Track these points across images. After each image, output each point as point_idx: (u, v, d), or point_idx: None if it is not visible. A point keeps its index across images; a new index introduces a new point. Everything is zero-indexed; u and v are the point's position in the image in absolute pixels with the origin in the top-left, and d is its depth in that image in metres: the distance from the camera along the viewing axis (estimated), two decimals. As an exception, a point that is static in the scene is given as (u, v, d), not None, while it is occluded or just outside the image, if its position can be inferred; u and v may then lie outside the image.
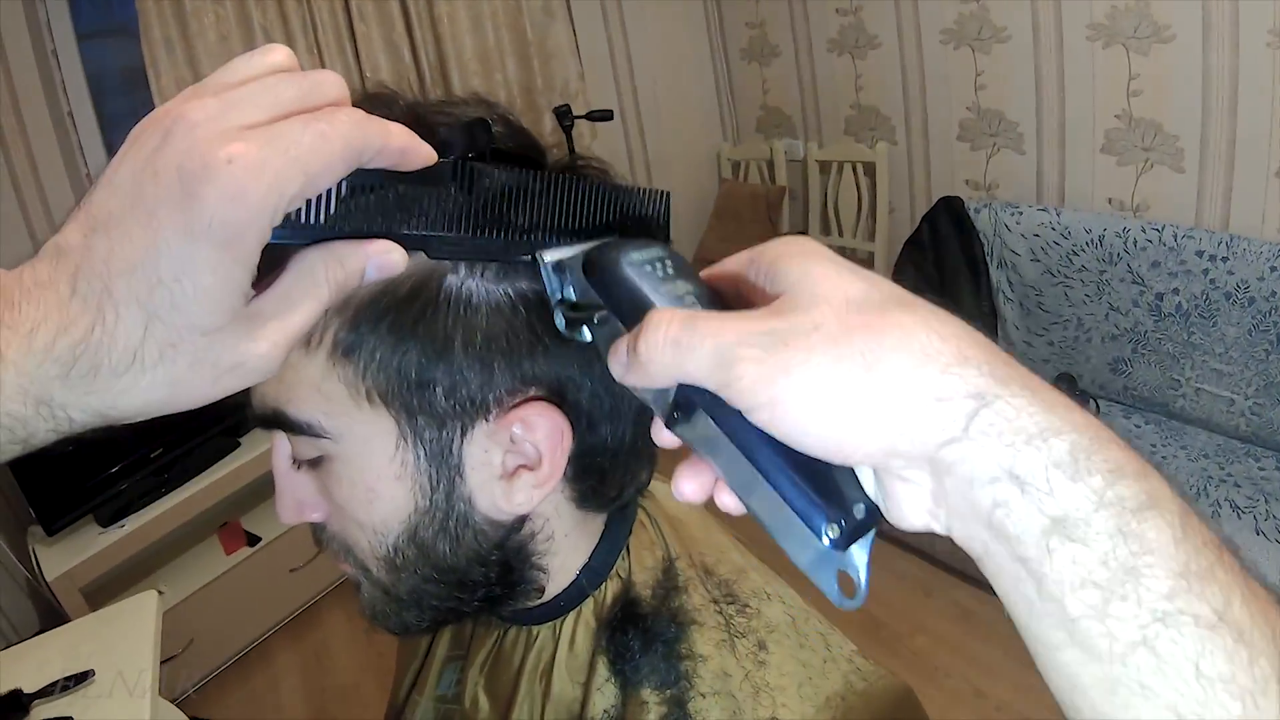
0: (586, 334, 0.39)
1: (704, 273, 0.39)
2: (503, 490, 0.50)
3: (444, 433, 0.48)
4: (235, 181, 0.29)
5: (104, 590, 2.44)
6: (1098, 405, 2.37)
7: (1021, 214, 2.55)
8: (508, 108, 0.52)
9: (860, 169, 3.30)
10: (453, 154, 0.45)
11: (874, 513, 0.32)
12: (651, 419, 0.58)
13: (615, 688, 0.56)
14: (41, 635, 1.79)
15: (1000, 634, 2.28)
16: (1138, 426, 2.30)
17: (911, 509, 0.31)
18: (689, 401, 0.33)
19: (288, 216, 0.32)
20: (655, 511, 0.67)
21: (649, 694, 0.55)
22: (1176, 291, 2.22)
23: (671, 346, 0.32)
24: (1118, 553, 0.26)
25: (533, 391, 0.48)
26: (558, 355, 0.48)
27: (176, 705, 2.20)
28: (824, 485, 0.32)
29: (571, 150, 2.43)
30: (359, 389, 0.46)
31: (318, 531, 0.55)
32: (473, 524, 0.51)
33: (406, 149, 0.35)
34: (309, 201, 0.34)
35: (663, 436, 0.36)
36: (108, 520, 2.43)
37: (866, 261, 3.36)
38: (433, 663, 0.72)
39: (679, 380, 0.33)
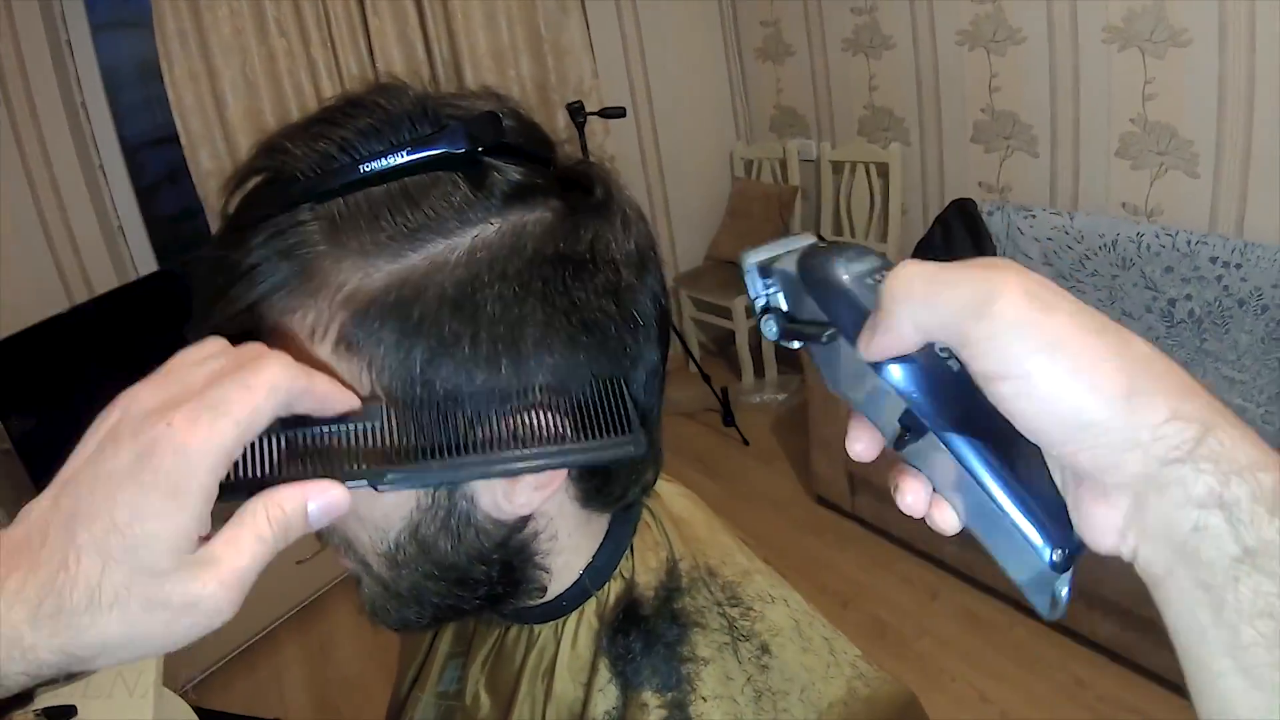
0: (795, 344, 0.39)
1: None
2: (505, 490, 0.49)
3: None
4: (176, 438, 0.34)
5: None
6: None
7: (1035, 217, 2.53)
8: (519, 101, 0.51)
9: (873, 170, 3.29)
10: (460, 148, 0.45)
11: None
12: (657, 419, 0.58)
13: (616, 689, 0.56)
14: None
15: (1006, 640, 2.27)
16: (1148, 433, 2.28)
17: (1104, 531, 0.31)
18: (918, 423, 0.33)
19: (233, 476, 0.36)
20: (660, 512, 0.66)
21: (650, 696, 0.55)
22: (1190, 298, 2.21)
23: (925, 281, 0.31)
24: None
25: (538, 391, 0.47)
26: (565, 355, 0.47)
27: (181, 696, 2.22)
28: (1048, 508, 0.32)
29: (584, 148, 2.44)
30: (363, 385, 0.45)
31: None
32: (475, 522, 0.50)
33: (331, 394, 0.40)
34: (252, 458, 0.38)
35: (856, 449, 0.36)
36: (116, 509, 2.44)
37: (877, 263, 3.35)
38: (435, 659, 0.72)
39: (926, 332, 0.32)
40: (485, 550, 0.52)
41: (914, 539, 2.59)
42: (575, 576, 0.60)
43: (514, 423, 0.44)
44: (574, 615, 0.60)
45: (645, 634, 0.57)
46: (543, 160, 0.50)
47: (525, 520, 0.53)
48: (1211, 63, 2.18)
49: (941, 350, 0.33)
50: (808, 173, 3.61)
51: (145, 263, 2.81)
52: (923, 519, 0.36)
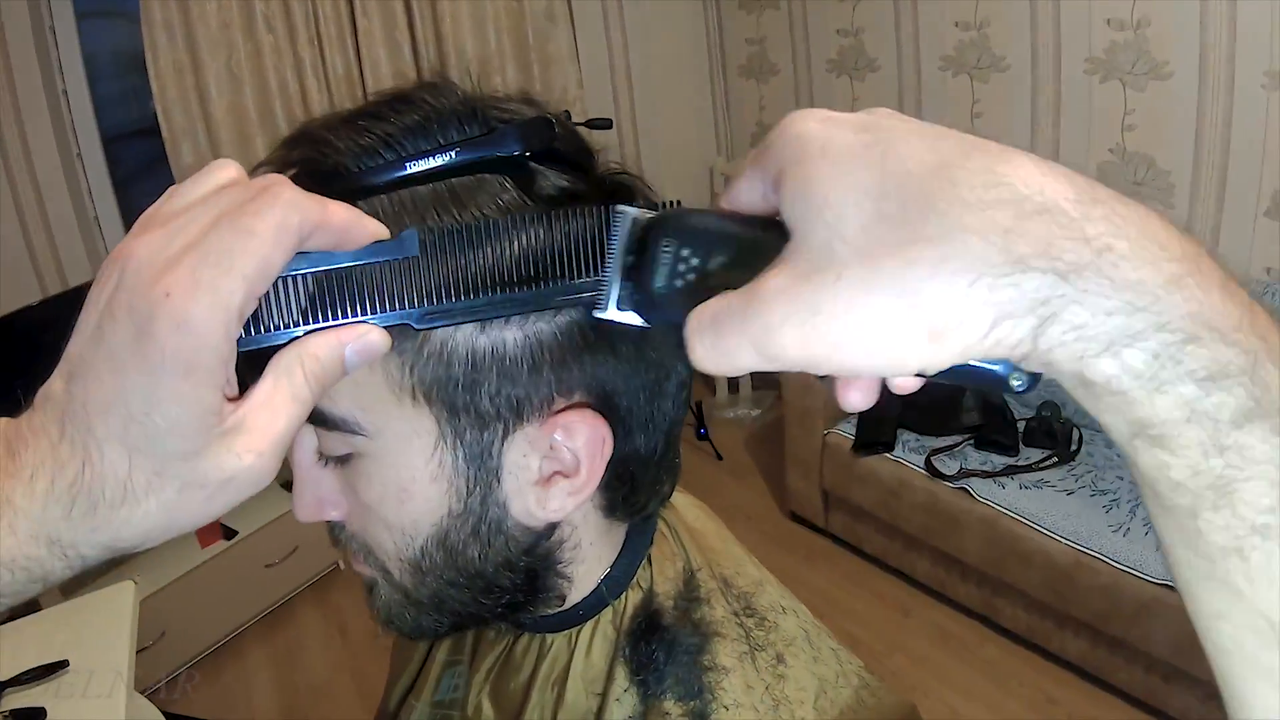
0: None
1: (723, 202, 0.37)
2: (537, 496, 0.49)
3: (485, 434, 0.46)
4: (177, 312, 0.30)
5: (77, 578, 2.39)
6: (1081, 434, 2.39)
7: (1013, 241, 2.57)
8: (559, 110, 0.51)
9: (853, 189, 3.32)
10: (513, 151, 0.45)
11: None
12: (679, 431, 0.58)
13: (635, 698, 0.56)
14: (14, 621, 1.75)
15: (978, 657, 2.30)
16: (1119, 456, 2.29)
17: None
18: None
19: (255, 321, 0.34)
20: (675, 522, 0.66)
21: (671, 705, 0.54)
22: (1163, 325, 2.25)
23: (716, 355, 0.32)
24: (1211, 464, 0.25)
25: (577, 397, 0.47)
26: (605, 361, 0.47)
27: (146, 697, 2.17)
28: None
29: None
30: (402, 385, 0.44)
31: (335, 530, 0.54)
32: (505, 529, 0.50)
33: (348, 225, 0.36)
34: (271, 302, 0.35)
35: (896, 383, 0.32)
36: (83, 507, 2.39)
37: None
38: (432, 667, 0.71)
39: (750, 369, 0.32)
40: (512, 557, 0.52)
41: (886, 555, 2.61)
42: (593, 586, 0.59)
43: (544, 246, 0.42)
44: (589, 625, 0.60)
45: (668, 643, 0.57)
46: (584, 168, 0.50)
47: (553, 528, 0.53)
48: (1191, 96, 2.24)
49: None
50: (788, 190, 3.64)
51: (120, 256, 2.76)
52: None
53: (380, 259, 0.37)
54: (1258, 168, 2.18)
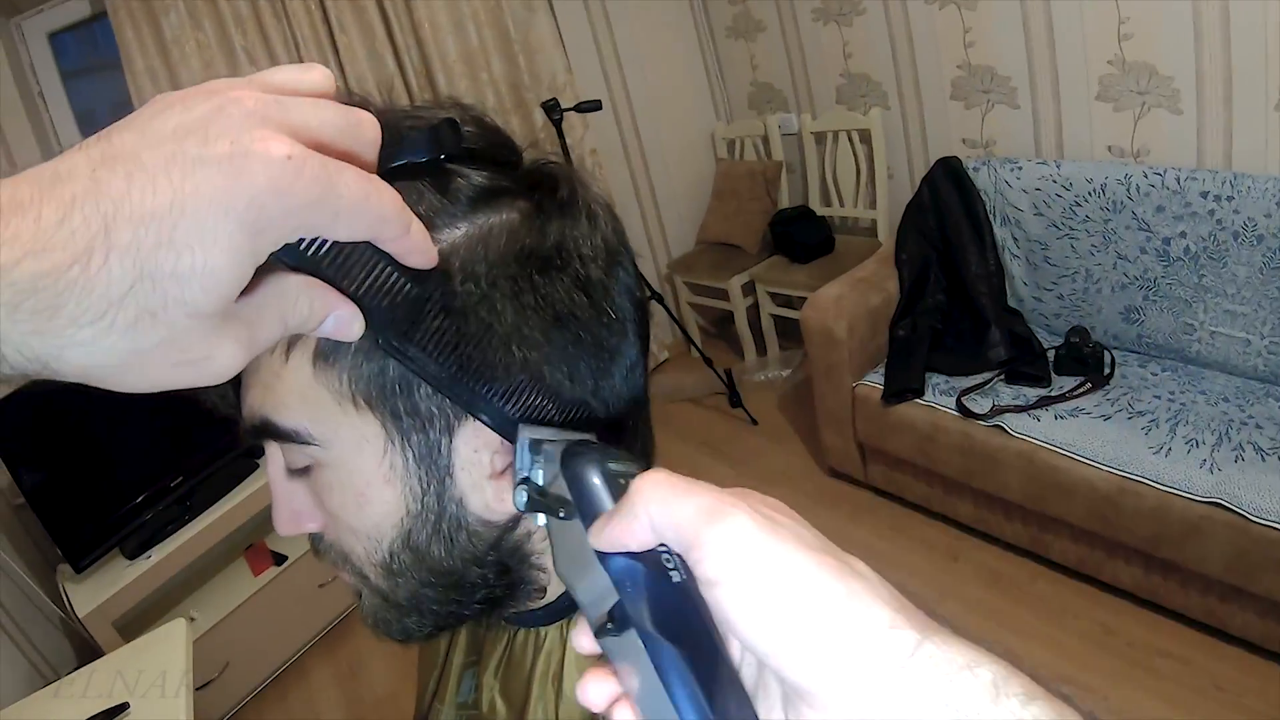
0: (540, 519, 0.40)
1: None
2: (494, 490, 0.49)
3: (430, 434, 0.47)
4: (286, 177, 0.29)
5: (137, 621, 2.47)
6: (1113, 357, 2.33)
7: (1021, 169, 2.51)
8: (482, 109, 0.52)
9: (856, 137, 3.27)
10: (421, 156, 0.45)
11: None
12: (644, 411, 0.57)
13: None
14: (77, 671, 1.81)
15: (1029, 594, 2.27)
16: (1154, 374, 2.27)
17: None
18: (624, 617, 0.34)
19: (291, 245, 0.33)
20: None
21: None
22: (1183, 235, 2.19)
23: (668, 488, 0.33)
24: None
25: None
26: (541, 352, 0.47)
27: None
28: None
29: (563, 144, 2.41)
30: (343, 393, 0.45)
31: (316, 542, 0.55)
32: (466, 525, 0.50)
33: (414, 250, 0.37)
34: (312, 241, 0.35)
35: (581, 642, 0.36)
36: (134, 552, 2.46)
37: (870, 229, 3.34)
38: (451, 670, 0.72)
39: (659, 533, 0.33)
40: (479, 553, 0.52)
41: (929, 502, 2.58)
42: None
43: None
44: (577, 614, 0.60)
45: None
46: (508, 163, 0.50)
47: (516, 520, 0.53)
48: (1184, -5, 2.16)
49: (668, 559, 0.34)
50: (790, 146, 3.59)
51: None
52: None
53: (402, 275, 0.39)
54: (1262, 61, 2.09)
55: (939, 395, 2.41)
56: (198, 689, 2.36)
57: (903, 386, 2.47)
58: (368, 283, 0.38)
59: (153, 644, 1.75)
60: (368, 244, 0.36)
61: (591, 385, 0.50)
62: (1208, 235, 2.14)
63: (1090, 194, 2.35)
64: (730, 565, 0.31)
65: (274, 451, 0.51)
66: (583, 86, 3.47)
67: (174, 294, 0.28)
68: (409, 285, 0.39)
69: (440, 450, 0.48)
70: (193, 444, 2.64)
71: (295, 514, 0.52)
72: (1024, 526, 2.31)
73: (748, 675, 0.35)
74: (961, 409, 2.32)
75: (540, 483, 0.41)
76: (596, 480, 0.37)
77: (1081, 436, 2.08)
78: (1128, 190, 2.26)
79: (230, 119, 0.29)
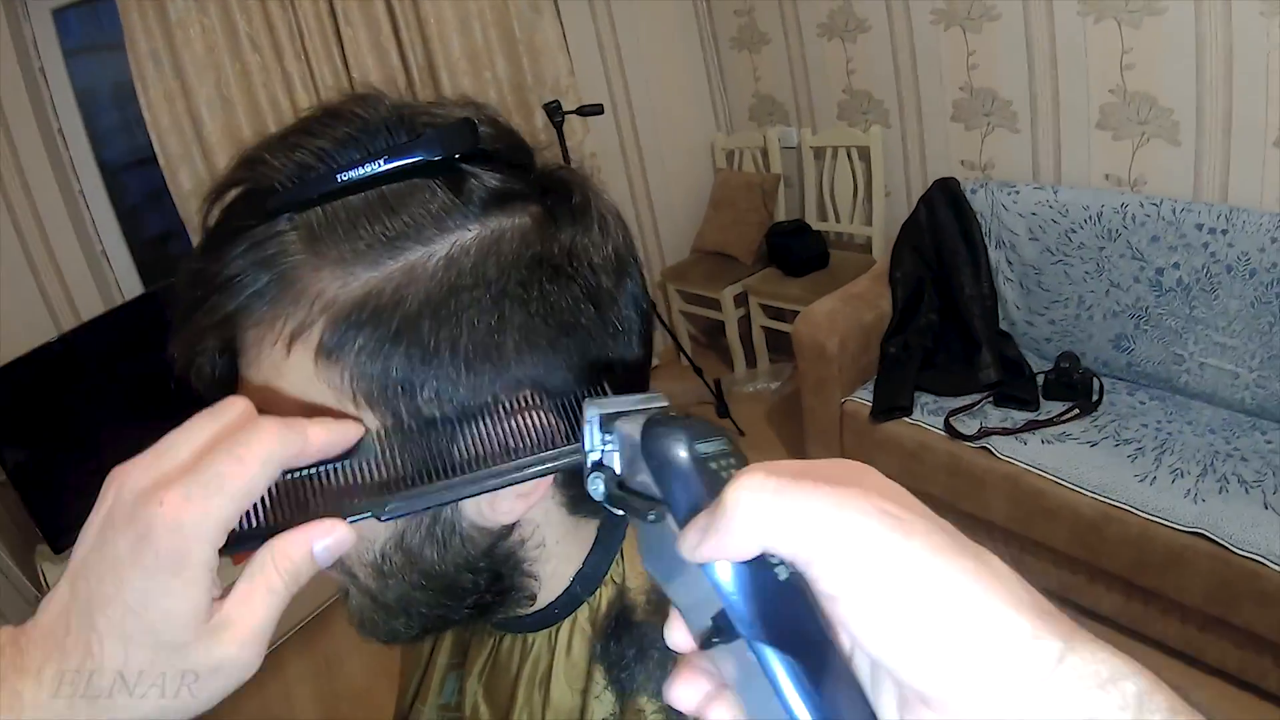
0: (619, 512, 0.36)
1: None
2: (489, 499, 0.49)
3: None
4: (171, 518, 0.34)
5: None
6: (1102, 384, 2.35)
7: (1018, 193, 2.53)
8: (497, 109, 0.51)
9: (855, 153, 3.28)
10: (436, 155, 0.45)
11: None
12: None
13: (613, 696, 0.56)
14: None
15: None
16: (1142, 403, 2.28)
17: None
18: (730, 627, 0.30)
19: (233, 532, 0.36)
20: None
21: (645, 702, 0.54)
22: (1177, 266, 2.21)
23: (774, 493, 0.28)
24: None
25: (523, 394, 0.47)
26: (546, 359, 0.47)
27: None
28: None
29: (563, 147, 2.40)
30: (344, 391, 0.45)
31: None
32: (460, 531, 0.50)
33: (328, 444, 0.40)
34: (251, 510, 0.37)
35: (676, 640, 0.33)
36: (114, 536, 2.43)
37: (865, 246, 3.35)
38: (434, 671, 0.72)
39: (764, 543, 0.29)
40: (472, 558, 0.51)
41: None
42: (566, 583, 0.59)
43: (505, 430, 0.44)
44: (567, 622, 0.59)
45: (638, 640, 0.57)
46: (521, 166, 0.50)
47: (511, 528, 0.53)
48: (1188, 29, 2.18)
49: (773, 556, 0.30)
50: (789, 160, 3.61)
51: (131, 286, 2.80)
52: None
53: (342, 462, 0.41)
54: (1263, 97, 2.11)
55: (927, 414, 2.42)
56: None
57: (891, 404, 2.48)
58: (327, 493, 0.40)
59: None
60: (291, 476, 0.39)
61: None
62: (1201, 267, 2.16)
63: (1086, 221, 2.37)
64: (852, 579, 0.28)
65: None
66: (585, 89, 3.47)
67: (154, 642, 0.35)
68: (352, 464, 0.41)
69: None
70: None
71: None
72: (1007, 549, 2.32)
73: (859, 668, 0.32)
74: (949, 429, 2.33)
75: (618, 470, 0.36)
76: (689, 470, 0.32)
77: (1068, 462, 2.10)
78: (1123, 219, 2.28)
79: (123, 500, 0.36)
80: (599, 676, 0.56)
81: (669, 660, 0.55)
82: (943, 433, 2.34)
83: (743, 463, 0.33)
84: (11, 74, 2.46)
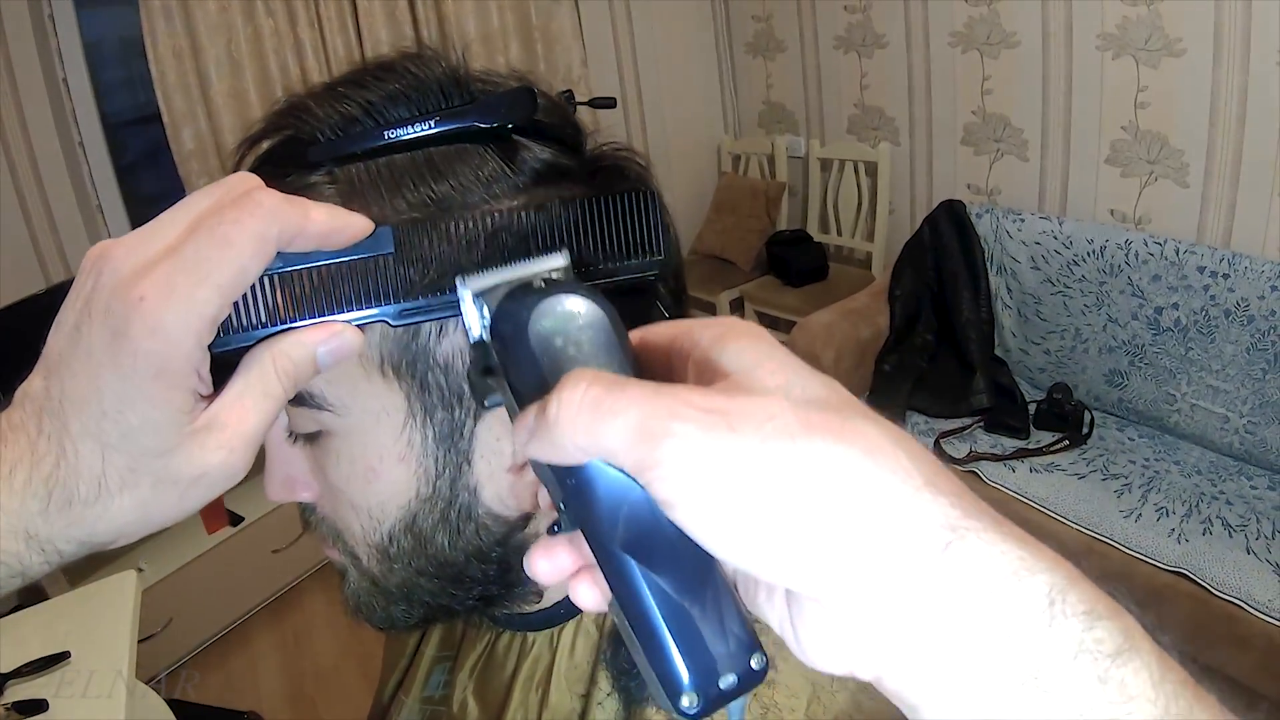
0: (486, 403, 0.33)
1: (633, 335, 0.32)
2: (510, 483, 0.48)
3: (457, 413, 0.45)
4: (151, 316, 0.30)
5: (84, 566, 2.40)
6: (1093, 417, 2.36)
7: (1023, 221, 2.54)
8: (550, 86, 0.50)
9: (862, 168, 3.28)
10: (493, 121, 0.44)
11: (757, 675, 0.28)
12: None
13: (618, 703, 0.54)
14: (18, 612, 1.76)
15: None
16: (1131, 440, 2.30)
17: (831, 645, 0.26)
18: (571, 521, 0.29)
19: (225, 329, 0.33)
20: None
21: (654, 713, 0.53)
22: (1176, 306, 2.22)
23: (590, 408, 0.26)
24: (1095, 702, 0.23)
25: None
26: None
27: (153, 685, 2.18)
28: (697, 640, 0.28)
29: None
30: (370, 358, 0.43)
31: (306, 513, 0.52)
32: (475, 517, 0.48)
33: (332, 229, 0.34)
34: (243, 302, 0.34)
35: (534, 565, 0.31)
36: (88, 495, 2.40)
37: (865, 262, 3.36)
38: (421, 662, 0.70)
39: (590, 455, 0.27)
40: (484, 547, 0.50)
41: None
42: None
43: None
44: (571, 623, 0.58)
45: None
46: (573, 145, 0.49)
47: (528, 518, 0.51)
48: (1205, 73, 2.19)
49: None
50: (795, 169, 3.60)
51: (124, 243, 2.76)
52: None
53: (355, 256, 0.35)
54: (1274, 147, 2.13)
55: (918, 434, 2.42)
56: (140, 642, 2.31)
57: (882, 421, 2.48)
58: (331, 292, 0.36)
59: (100, 593, 1.70)
60: (280, 260, 0.34)
61: None
62: (1200, 309, 2.17)
63: (1089, 254, 2.38)
64: (679, 485, 0.25)
65: None
66: (597, 81, 3.46)
67: (133, 449, 0.32)
68: (361, 257, 0.36)
69: (463, 433, 0.46)
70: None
71: (290, 480, 0.50)
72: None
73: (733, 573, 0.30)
74: (939, 451, 2.34)
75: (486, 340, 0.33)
76: (525, 350, 0.30)
77: (1055, 492, 2.11)
78: (1126, 255, 2.29)
79: (101, 287, 0.31)
80: (603, 682, 0.55)
81: None
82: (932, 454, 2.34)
83: (601, 331, 0.30)
84: (20, 20, 2.41)
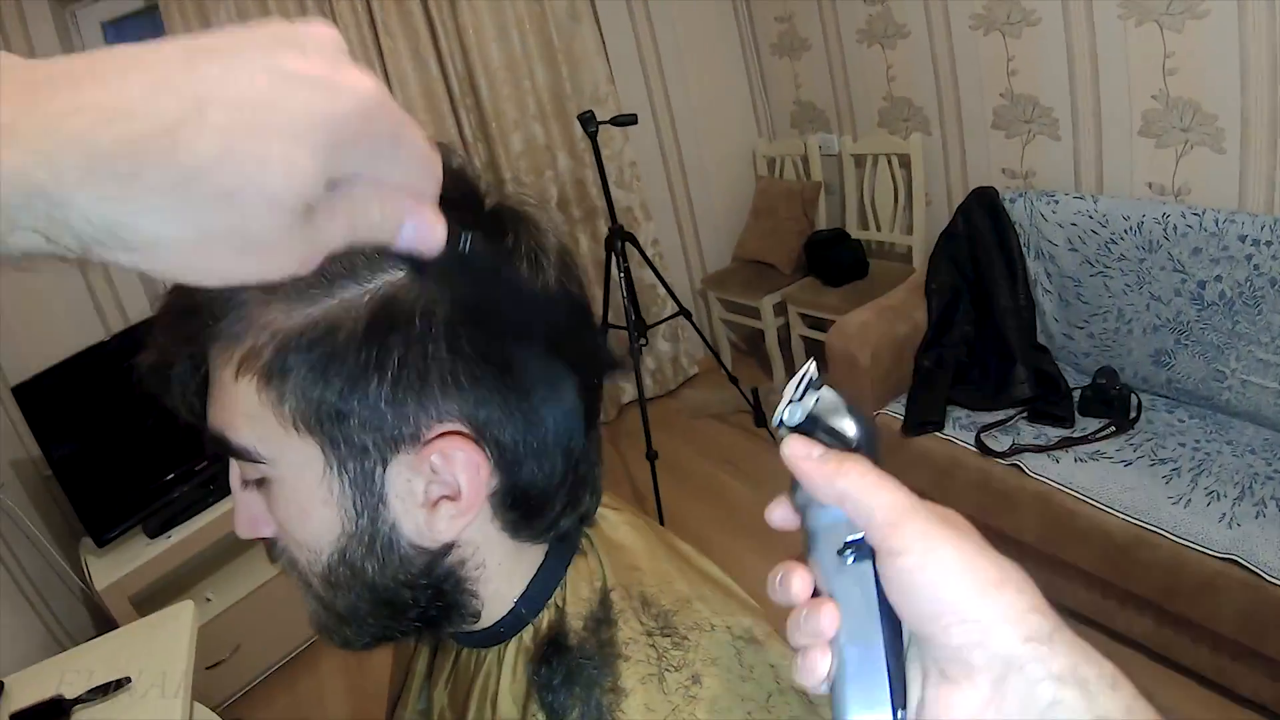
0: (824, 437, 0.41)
1: None
2: (425, 518, 0.52)
3: (365, 463, 0.50)
4: (371, 108, 0.31)
5: (154, 598, 2.52)
6: (1140, 400, 2.27)
7: (1058, 202, 2.46)
8: (451, 148, 0.52)
9: (896, 161, 3.23)
10: None
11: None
12: (590, 453, 0.59)
13: (545, 718, 0.56)
14: (88, 643, 1.86)
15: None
16: (1181, 421, 2.20)
17: (958, 712, 0.35)
18: (866, 548, 0.38)
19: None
20: (599, 540, 0.67)
21: None
22: (1219, 279, 2.12)
23: (874, 476, 0.37)
24: None
25: (449, 425, 0.50)
26: (472, 394, 0.49)
27: (222, 711, 2.27)
28: (901, 677, 0.37)
29: (598, 156, 2.43)
30: (284, 416, 0.48)
31: (270, 547, 0.58)
32: (398, 549, 0.53)
33: (429, 222, 0.37)
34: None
35: (774, 516, 0.42)
36: (155, 531, 2.52)
37: (905, 256, 3.30)
38: (412, 679, 0.74)
39: (838, 503, 0.37)
40: (412, 575, 0.54)
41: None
42: (510, 605, 0.61)
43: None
44: (513, 642, 0.61)
45: (567, 665, 0.58)
46: (469, 210, 0.52)
47: (449, 547, 0.55)
48: (1231, 32, 2.10)
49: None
50: (830, 167, 3.57)
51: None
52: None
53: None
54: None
55: (959, 430, 2.37)
56: (208, 668, 2.42)
57: (923, 419, 2.43)
58: None
59: (162, 623, 1.79)
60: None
61: (533, 442, 0.53)
62: (1244, 280, 2.07)
63: (1127, 232, 2.29)
64: (917, 542, 0.35)
65: (233, 462, 0.55)
66: (625, 97, 3.48)
67: (255, 179, 0.28)
68: None
69: (374, 479, 0.50)
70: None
71: (252, 519, 0.56)
72: (1036, 569, 2.22)
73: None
74: (980, 445, 2.28)
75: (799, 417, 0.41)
76: (858, 434, 0.40)
77: (1100, 481, 2.03)
78: (1164, 230, 2.21)
79: (323, 45, 0.31)
80: (535, 699, 0.57)
81: (597, 686, 0.56)
82: (974, 449, 2.28)
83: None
84: (49, 40, 2.53)
